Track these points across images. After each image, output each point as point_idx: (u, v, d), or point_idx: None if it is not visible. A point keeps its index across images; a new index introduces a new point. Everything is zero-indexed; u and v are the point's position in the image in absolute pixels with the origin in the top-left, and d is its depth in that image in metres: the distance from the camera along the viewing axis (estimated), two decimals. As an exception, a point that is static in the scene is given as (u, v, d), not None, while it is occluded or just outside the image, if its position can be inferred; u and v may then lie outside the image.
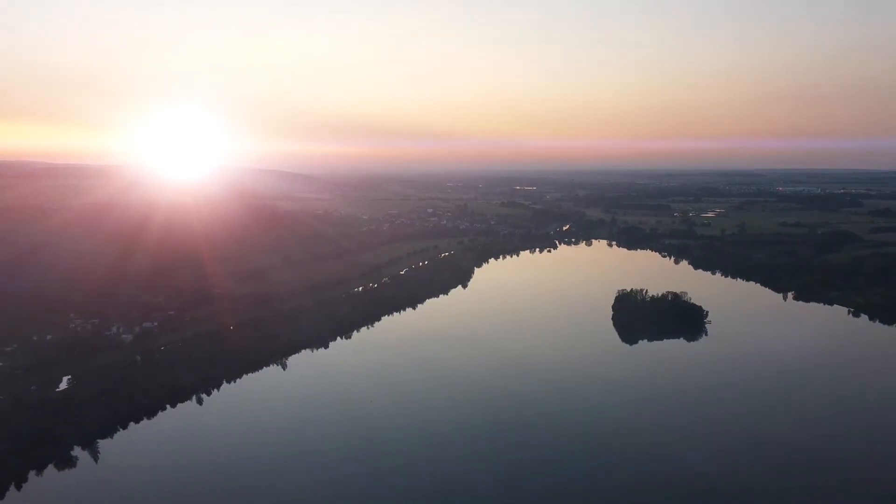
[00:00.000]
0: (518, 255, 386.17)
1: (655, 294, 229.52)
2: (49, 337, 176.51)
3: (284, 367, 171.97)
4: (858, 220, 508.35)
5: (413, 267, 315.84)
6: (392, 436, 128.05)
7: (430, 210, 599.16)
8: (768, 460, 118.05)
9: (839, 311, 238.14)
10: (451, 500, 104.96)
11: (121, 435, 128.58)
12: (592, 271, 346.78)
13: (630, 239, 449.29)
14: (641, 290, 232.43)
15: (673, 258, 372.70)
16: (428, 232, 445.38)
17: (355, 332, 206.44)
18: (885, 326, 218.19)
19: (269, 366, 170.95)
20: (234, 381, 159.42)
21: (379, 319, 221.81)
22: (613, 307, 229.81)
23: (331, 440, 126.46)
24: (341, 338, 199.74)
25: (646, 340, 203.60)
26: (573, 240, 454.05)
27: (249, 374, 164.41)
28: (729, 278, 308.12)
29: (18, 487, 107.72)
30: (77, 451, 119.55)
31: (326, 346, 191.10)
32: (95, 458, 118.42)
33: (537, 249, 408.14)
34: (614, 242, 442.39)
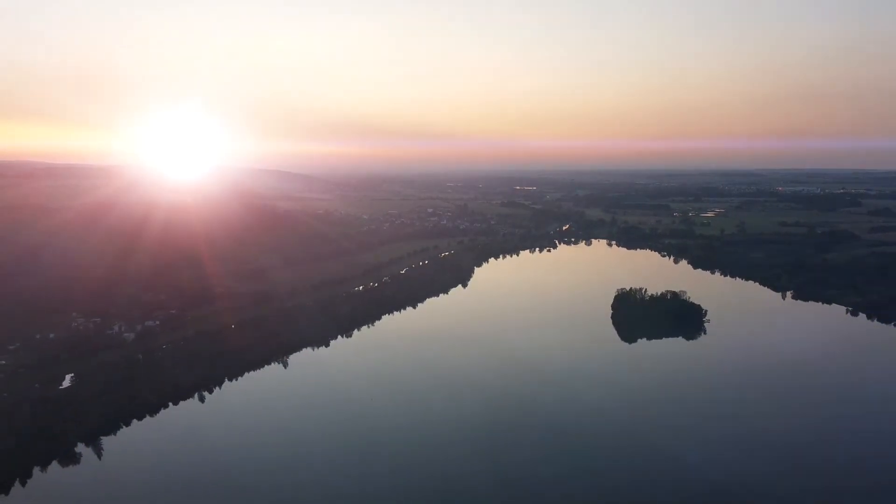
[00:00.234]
0: (518, 255, 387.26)
1: (654, 293, 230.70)
2: (52, 335, 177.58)
3: (285, 365, 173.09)
4: (858, 220, 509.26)
5: (413, 266, 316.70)
6: (392, 434, 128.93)
7: (430, 210, 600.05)
8: (767, 459, 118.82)
9: (837, 310, 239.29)
10: (450, 498, 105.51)
11: (124, 432, 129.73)
12: (592, 271, 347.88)
13: (630, 238, 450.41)
14: (641, 290, 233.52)
15: (672, 258, 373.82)
16: (428, 232, 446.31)
17: (356, 330, 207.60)
18: (883, 325, 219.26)
19: (270, 364, 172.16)
20: (236, 380, 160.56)
21: (379, 318, 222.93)
22: (613, 306, 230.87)
23: (331, 438, 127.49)
24: (342, 336, 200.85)
25: (645, 339, 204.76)
26: (573, 239, 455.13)
27: (251, 373, 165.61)
28: (728, 277, 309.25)
29: (23, 483, 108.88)
30: (80, 448, 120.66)
31: (327, 345, 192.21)
32: (99, 455, 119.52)
33: (537, 249, 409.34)
34: (614, 242, 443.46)
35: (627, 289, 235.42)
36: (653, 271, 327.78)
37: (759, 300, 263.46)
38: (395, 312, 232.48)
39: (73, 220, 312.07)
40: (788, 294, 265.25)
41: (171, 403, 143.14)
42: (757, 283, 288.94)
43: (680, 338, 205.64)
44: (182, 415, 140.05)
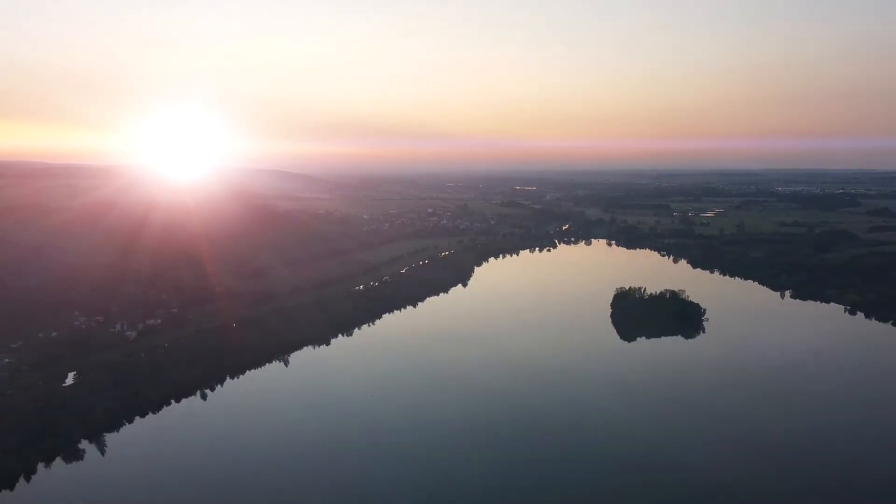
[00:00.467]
0: (518, 255, 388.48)
1: (654, 292, 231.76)
2: (54, 334, 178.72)
3: (286, 363, 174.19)
4: (857, 220, 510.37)
5: (413, 266, 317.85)
6: (392, 432, 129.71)
7: (430, 210, 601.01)
8: (765, 457, 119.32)
9: (835, 309, 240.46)
10: (450, 497, 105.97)
11: (127, 429, 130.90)
12: (591, 270, 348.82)
13: (629, 238, 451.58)
14: (640, 289, 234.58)
15: (672, 257, 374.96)
16: (428, 231, 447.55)
17: (356, 329, 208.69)
18: (881, 324, 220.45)
19: (271, 362, 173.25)
20: (237, 378, 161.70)
21: (380, 317, 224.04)
22: (612, 305, 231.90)
23: (332, 436, 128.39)
24: (342, 335, 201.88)
25: (644, 338, 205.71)
26: (573, 239, 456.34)
27: (252, 371, 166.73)
28: (727, 277, 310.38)
29: (27, 479, 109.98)
30: (84, 445, 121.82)
31: (328, 344, 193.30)
32: (102, 452, 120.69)
33: (537, 249, 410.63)
34: (613, 242, 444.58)
35: (627, 288, 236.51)
36: (652, 271, 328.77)
37: (758, 299, 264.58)
38: (395, 311, 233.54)
39: (74, 219, 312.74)
40: (787, 293, 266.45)
41: (173, 401, 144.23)
42: (756, 283, 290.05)
43: (679, 336, 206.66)
44: (184, 412, 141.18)
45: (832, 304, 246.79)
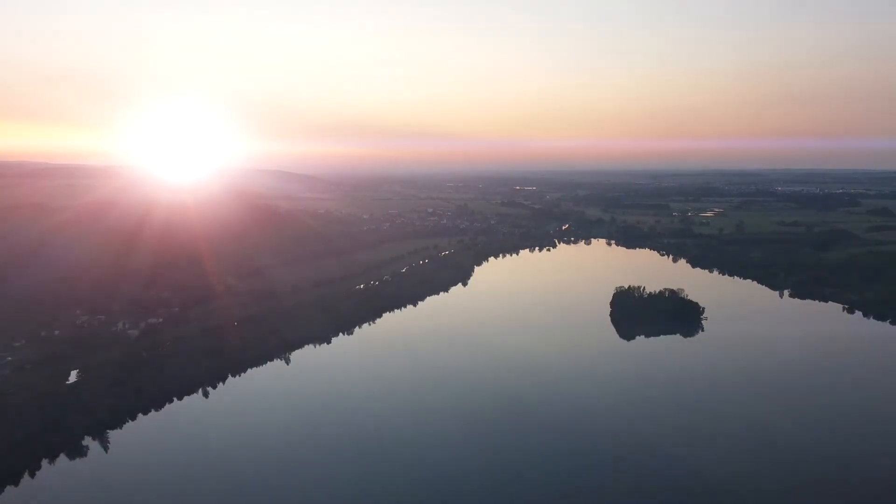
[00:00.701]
0: (518, 254, 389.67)
1: (653, 291, 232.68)
2: (56, 332, 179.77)
3: (288, 361, 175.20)
4: (856, 220, 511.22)
5: (414, 265, 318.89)
6: (392, 430, 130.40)
7: (430, 209, 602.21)
8: (764, 455, 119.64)
9: (834, 308, 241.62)
10: (449, 495, 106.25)
11: (129, 426, 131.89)
12: (591, 269, 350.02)
13: (629, 238, 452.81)
14: (639, 288, 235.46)
15: (671, 257, 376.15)
16: (428, 231, 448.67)
17: (357, 328, 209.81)
18: (879, 322, 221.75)
19: (272, 361, 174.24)
20: (239, 376, 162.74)
21: (380, 316, 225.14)
22: (611, 304, 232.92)
23: (332, 434, 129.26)
24: (343, 334, 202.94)
25: (643, 336, 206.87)
26: (572, 239, 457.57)
27: (253, 369, 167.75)
28: (726, 276, 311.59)
29: (32, 475, 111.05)
30: (87, 441, 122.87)
31: (328, 342, 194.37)
32: (105, 448, 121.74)
33: (537, 248, 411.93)
34: (613, 241, 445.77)
35: (626, 287, 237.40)
36: (651, 270, 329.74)
37: (757, 298, 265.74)
38: (395, 310, 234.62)
39: (75, 219, 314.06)
40: (786, 292, 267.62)
41: (175, 398, 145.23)
42: (755, 282, 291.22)
43: (678, 335, 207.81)
44: (186, 410, 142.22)
45: (830, 302, 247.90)
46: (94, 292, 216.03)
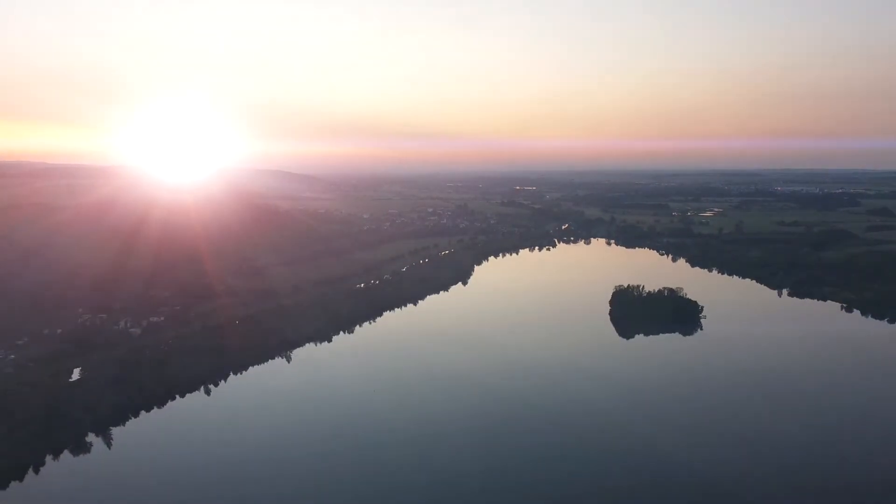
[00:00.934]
0: (517, 254, 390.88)
1: (652, 290, 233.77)
2: (59, 331, 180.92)
3: (289, 360, 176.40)
4: (855, 220, 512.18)
5: (414, 265, 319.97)
6: (393, 428, 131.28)
7: (430, 209, 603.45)
8: (762, 453, 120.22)
9: (832, 307, 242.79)
10: (449, 494, 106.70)
11: (133, 422, 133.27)
12: (590, 268, 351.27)
13: (628, 237, 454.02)
14: (638, 286, 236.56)
15: (670, 256, 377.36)
16: (428, 231, 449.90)
17: (357, 326, 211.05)
18: (877, 321, 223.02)
19: (273, 359, 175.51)
20: (240, 373, 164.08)
21: (380, 315, 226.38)
22: (611, 303, 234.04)
23: (333, 431, 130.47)
24: (344, 332, 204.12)
25: (642, 335, 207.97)
26: (572, 238, 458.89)
27: (255, 367, 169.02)
28: (725, 275, 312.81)
29: (37, 471, 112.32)
30: (91, 437, 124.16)
31: (329, 340, 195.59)
32: (109, 445, 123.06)
33: (536, 248, 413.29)
34: (613, 241, 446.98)
35: (625, 286, 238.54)
36: (651, 269, 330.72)
37: (756, 297, 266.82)
38: (395, 309, 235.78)
39: (76, 218, 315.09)
40: (784, 291, 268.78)
41: (177, 396, 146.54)
42: (754, 281, 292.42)
43: (676, 333, 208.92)
44: (189, 407, 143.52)
45: (829, 301, 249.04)
46: (96, 291, 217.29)
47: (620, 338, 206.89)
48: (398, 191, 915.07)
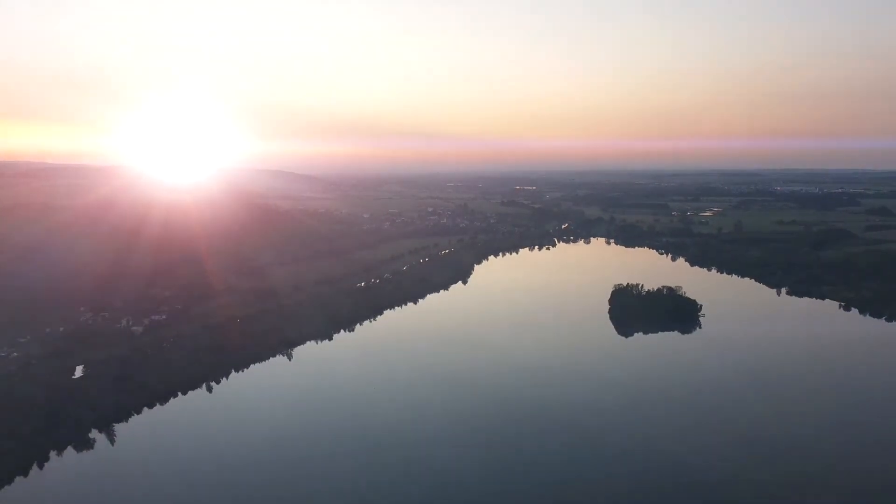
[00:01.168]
0: (517, 253, 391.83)
1: (651, 289, 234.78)
2: (61, 329, 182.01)
3: (290, 357, 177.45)
4: (854, 219, 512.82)
5: (414, 264, 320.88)
6: (392, 426, 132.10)
7: (430, 209, 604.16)
8: (761, 451, 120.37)
9: (830, 305, 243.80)
10: (448, 493, 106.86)
11: (135, 419, 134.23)
12: (590, 267, 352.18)
13: (628, 237, 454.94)
14: (637, 285, 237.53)
15: (670, 255, 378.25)
16: (428, 230, 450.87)
17: (357, 325, 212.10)
18: (875, 319, 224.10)
19: (274, 357, 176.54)
20: (242, 371, 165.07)
21: (381, 313, 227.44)
22: (610, 301, 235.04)
23: (333, 428, 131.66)
24: (344, 331, 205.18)
25: (641, 333, 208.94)
26: (572, 238, 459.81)
27: (256, 365, 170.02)
28: (724, 274, 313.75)
29: (41, 466, 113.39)
30: (94, 434, 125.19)
31: (330, 339, 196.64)
32: (112, 441, 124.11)
33: (536, 247, 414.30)
34: (612, 240, 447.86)
35: (624, 284, 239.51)
36: (650, 268, 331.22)
37: (754, 296, 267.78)
38: (396, 308, 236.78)
39: (76, 218, 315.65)
40: (783, 290, 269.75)
41: (179, 393, 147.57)
42: (752, 280, 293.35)
43: (675, 332, 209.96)
44: (191, 404, 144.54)
45: (827, 300, 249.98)
46: (97, 290, 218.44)
47: (620, 336, 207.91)
48: (398, 191, 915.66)
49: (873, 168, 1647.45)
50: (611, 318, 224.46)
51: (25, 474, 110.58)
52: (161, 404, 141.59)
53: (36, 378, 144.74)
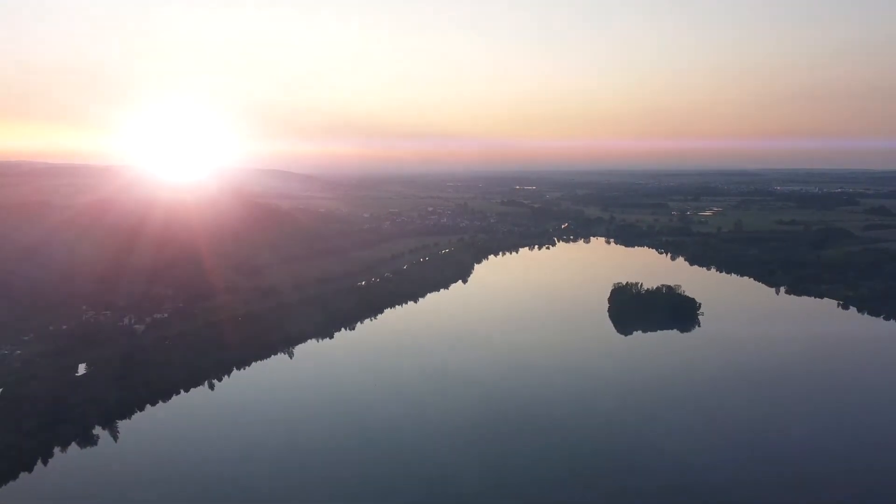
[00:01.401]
0: (517, 252, 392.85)
1: (650, 287, 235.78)
2: (64, 327, 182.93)
3: (291, 355, 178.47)
4: (854, 219, 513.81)
5: (414, 263, 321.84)
6: (392, 425, 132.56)
7: (430, 208, 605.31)
8: (759, 450, 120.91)
9: (829, 304, 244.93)
10: (448, 492, 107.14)
11: (138, 416, 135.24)
12: (590, 266, 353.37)
13: (627, 236, 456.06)
14: (637, 284, 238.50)
15: (669, 255, 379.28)
16: (428, 229, 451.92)
17: (358, 323, 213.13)
18: (873, 318, 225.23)
19: (276, 354, 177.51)
20: (244, 369, 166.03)
21: (381, 312, 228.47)
22: (609, 300, 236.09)
23: (334, 425, 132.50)
24: (345, 329, 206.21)
25: (640, 332, 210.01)
26: (571, 237, 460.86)
27: (257, 362, 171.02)
28: (723, 273, 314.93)
29: (45, 462, 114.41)
30: (98, 431, 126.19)
31: (331, 337, 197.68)
32: (115, 438, 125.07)
33: (536, 246, 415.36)
34: (612, 240, 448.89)
35: (624, 283, 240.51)
36: (649, 267, 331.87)
37: (753, 295, 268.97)
38: (396, 307, 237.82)
39: (77, 217, 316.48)
40: (782, 289, 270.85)
41: (182, 390, 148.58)
42: (752, 279, 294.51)
43: (674, 330, 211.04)
44: (193, 401, 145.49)
45: (825, 299, 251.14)
46: (98, 289, 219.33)
47: (619, 334, 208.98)
48: (398, 190, 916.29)
49: (873, 168, 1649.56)
50: (610, 316, 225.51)
51: (30, 470, 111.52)
52: (163, 401, 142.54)
53: (39, 375, 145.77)
